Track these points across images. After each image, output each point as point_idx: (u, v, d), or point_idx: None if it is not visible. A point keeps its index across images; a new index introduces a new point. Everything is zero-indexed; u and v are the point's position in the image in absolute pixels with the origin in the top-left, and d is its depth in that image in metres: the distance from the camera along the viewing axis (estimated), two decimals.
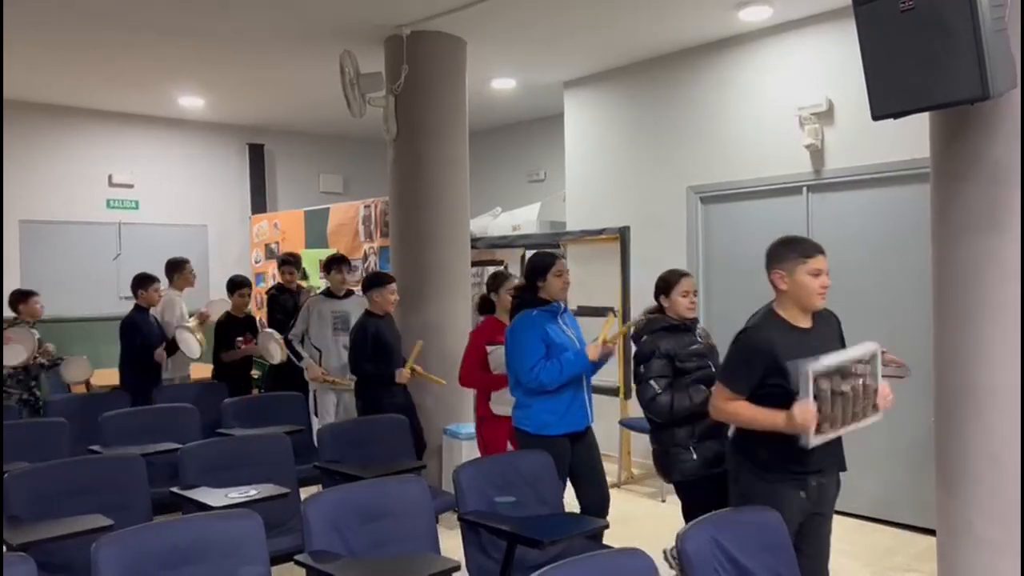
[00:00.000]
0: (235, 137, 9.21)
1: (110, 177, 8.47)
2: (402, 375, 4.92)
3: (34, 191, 8.03)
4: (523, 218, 7.71)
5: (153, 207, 8.71)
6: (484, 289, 4.77)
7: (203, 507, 3.19)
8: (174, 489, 3.53)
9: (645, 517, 5.48)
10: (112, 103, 8.13)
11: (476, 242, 6.94)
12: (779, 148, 5.77)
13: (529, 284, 3.89)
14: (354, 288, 5.96)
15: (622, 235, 6.39)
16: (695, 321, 3.67)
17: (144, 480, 3.55)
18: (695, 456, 3.41)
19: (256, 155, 9.30)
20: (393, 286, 5.10)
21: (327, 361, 5.60)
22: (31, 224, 8.01)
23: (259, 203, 9.25)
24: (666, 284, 3.65)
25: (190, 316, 6.29)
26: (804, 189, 5.70)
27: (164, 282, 6.27)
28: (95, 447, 4.37)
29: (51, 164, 8.15)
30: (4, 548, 2.84)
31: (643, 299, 6.27)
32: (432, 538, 3.11)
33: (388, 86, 5.82)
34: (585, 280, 5.81)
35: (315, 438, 5.04)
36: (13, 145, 7.84)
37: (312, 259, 7.86)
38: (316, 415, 5.61)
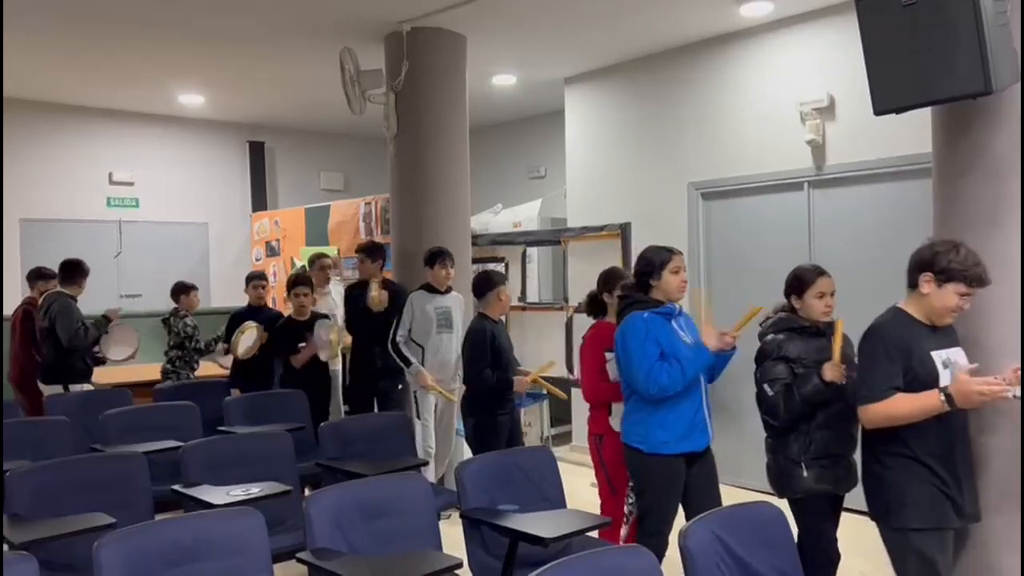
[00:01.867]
0: (235, 135, 9.20)
1: (110, 175, 8.47)
2: (521, 383, 4.52)
3: (34, 190, 8.03)
4: (524, 215, 7.70)
5: (153, 205, 8.71)
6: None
7: (205, 505, 3.18)
8: (176, 487, 3.52)
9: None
10: (112, 101, 8.12)
11: (477, 239, 6.94)
12: (780, 143, 5.76)
13: (640, 283, 3.46)
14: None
15: (623, 231, 6.39)
16: (830, 326, 3.26)
17: (146, 478, 3.55)
18: (806, 473, 3.15)
19: (256, 153, 9.30)
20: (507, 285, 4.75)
21: (430, 359, 5.23)
22: (32, 223, 8.01)
23: (260, 201, 9.25)
24: (799, 283, 3.29)
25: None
26: (805, 185, 5.69)
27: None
28: (97, 445, 4.37)
29: (51, 162, 8.15)
30: (7, 547, 2.84)
31: None
32: (434, 535, 3.10)
33: (388, 83, 5.82)
34: (586, 277, 5.79)
35: (418, 443, 4.99)
36: (13, 143, 7.84)
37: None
38: (418, 417, 5.23)
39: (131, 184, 8.59)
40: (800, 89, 5.63)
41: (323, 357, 5.55)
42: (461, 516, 3.23)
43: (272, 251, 8.55)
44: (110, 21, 5.64)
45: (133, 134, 8.60)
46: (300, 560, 2.77)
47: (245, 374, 5.88)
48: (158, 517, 3.37)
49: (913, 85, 2.91)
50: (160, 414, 4.86)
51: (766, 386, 3.18)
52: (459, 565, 2.75)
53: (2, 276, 7.59)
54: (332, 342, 5.47)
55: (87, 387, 5.85)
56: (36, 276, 6.36)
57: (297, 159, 9.67)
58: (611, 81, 6.93)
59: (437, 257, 5.24)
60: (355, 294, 5.69)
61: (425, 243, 5.82)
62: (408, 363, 5.18)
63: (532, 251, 7.59)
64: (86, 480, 3.40)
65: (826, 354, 3.15)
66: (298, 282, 5.72)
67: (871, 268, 5.33)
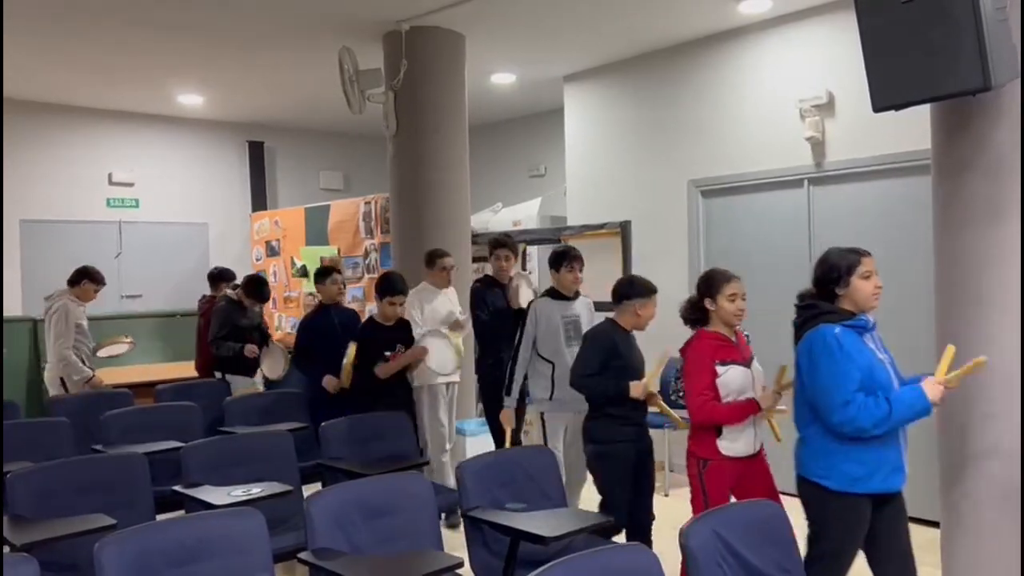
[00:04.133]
0: (235, 135, 9.20)
1: (110, 176, 8.47)
2: (637, 389, 3.70)
3: (34, 190, 8.03)
4: (524, 213, 7.70)
5: (153, 205, 8.71)
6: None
7: (206, 505, 3.19)
8: (177, 487, 3.53)
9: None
10: (111, 101, 8.12)
11: (477, 238, 6.93)
12: (780, 141, 5.76)
13: (824, 291, 2.92)
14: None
15: (623, 229, 6.38)
16: None
17: (147, 479, 3.55)
18: None
19: (256, 153, 9.30)
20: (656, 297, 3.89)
21: (562, 377, 4.29)
22: (32, 224, 8.01)
23: (259, 201, 9.25)
24: None
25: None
26: (805, 182, 5.69)
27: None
28: (98, 446, 4.37)
29: (51, 163, 8.15)
30: (8, 548, 2.84)
31: None
32: (435, 535, 3.11)
33: (387, 82, 5.81)
34: (586, 276, 5.78)
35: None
36: (13, 144, 7.83)
37: (311, 257, 7.85)
38: (545, 445, 4.34)
39: (131, 185, 8.58)
40: (800, 86, 5.62)
41: (447, 370, 4.95)
42: (462, 515, 3.23)
43: (272, 251, 8.55)
44: (108, 21, 5.63)
45: (133, 134, 8.60)
46: (301, 560, 2.77)
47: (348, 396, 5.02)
48: (159, 518, 3.37)
49: (912, 82, 2.91)
50: (161, 415, 4.86)
51: None
52: (460, 565, 2.75)
53: (2, 277, 7.60)
54: (457, 350, 4.80)
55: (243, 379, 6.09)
56: (218, 278, 6.67)
57: (297, 159, 9.67)
58: (610, 79, 6.92)
59: (563, 259, 4.46)
60: (489, 293, 5.03)
61: (425, 242, 5.81)
62: (508, 391, 4.46)
63: (532, 250, 7.58)
64: (87, 481, 3.40)
65: None
66: (395, 290, 4.86)
67: None
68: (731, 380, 3.27)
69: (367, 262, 7.35)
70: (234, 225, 9.16)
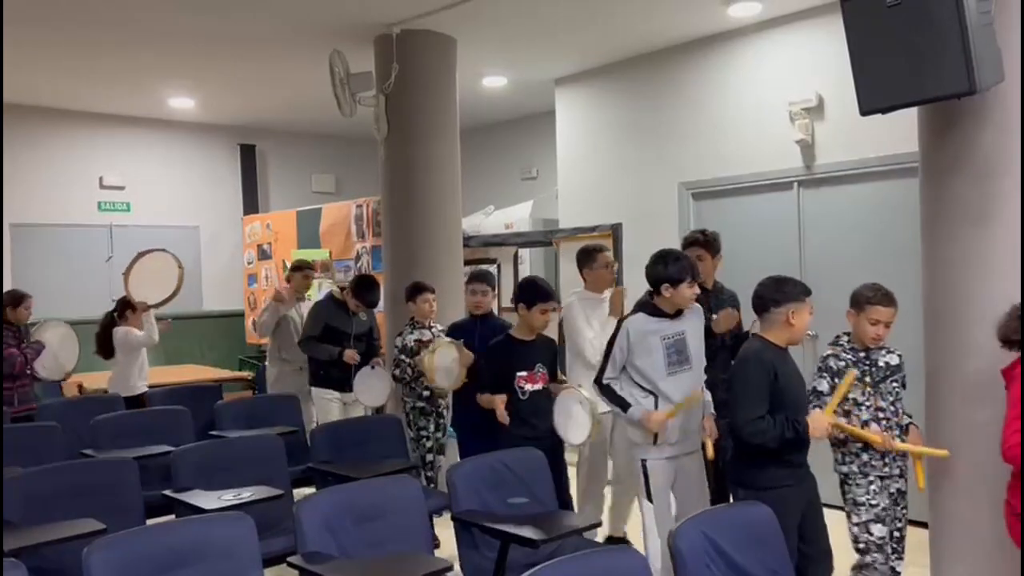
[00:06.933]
0: (226, 138, 9.19)
1: (101, 179, 8.45)
2: (819, 424, 3.02)
3: (25, 194, 8.00)
4: (516, 216, 7.71)
5: (145, 209, 8.69)
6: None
7: (196, 510, 3.18)
8: (167, 492, 3.52)
9: (637, 514, 5.48)
10: (102, 105, 8.10)
11: (469, 241, 6.94)
12: (770, 143, 5.78)
13: None
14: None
15: (615, 232, 6.39)
16: None
17: (136, 483, 3.54)
18: None
19: (247, 156, 9.29)
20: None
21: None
22: (22, 228, 7.98)
23: (251, 204, 9.24)
24: None
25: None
26: (795, 184, 5.71)
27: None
28: (88, 451, 4.36)
29: (41, 167, 8.13)
30: None
31: (637, 295, 6.31)
32: (426, 538, 3.11)
33: (378, 85, 5.81)
34: (578, 278, 5.79)
35: (649, 540, 3.44)
36: (3, 148, 7.81)
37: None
38: (648, 498, 3.53)
39: (122, 188, 8.57)
40: (789, 89, 5.64)
41: (576, 441, 3.88)
42: (453, 518, 3.23)
43: (264, 254, 8.54)
44: (99, 25, 5.62)
45: (124, 138, 8.58)
46: (291, 564, 2.76)
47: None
48: (149, 522, 3.36)
49: (898, 85, 2.93)
50: (151, 419, 4.84)
51: None
52: (449, 568, 2.75)
53: (1, 279, 7.56)
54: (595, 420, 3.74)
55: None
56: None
57: (288, 162, 9.66)
58: (601, 82, 6.94)
59: (675, 271, 3.47)
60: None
61: (417, 245, 5.82)
62: (624, 405, 3.53)
63: (524, 252, 7.59)
64: (77, 486, 3.39)
65: None
66: (546, 295, 3.96)
67: (860, 267, 5.35)
68: None
69: (359, 265, 7.34)
70: (226, 228, 9.14)
